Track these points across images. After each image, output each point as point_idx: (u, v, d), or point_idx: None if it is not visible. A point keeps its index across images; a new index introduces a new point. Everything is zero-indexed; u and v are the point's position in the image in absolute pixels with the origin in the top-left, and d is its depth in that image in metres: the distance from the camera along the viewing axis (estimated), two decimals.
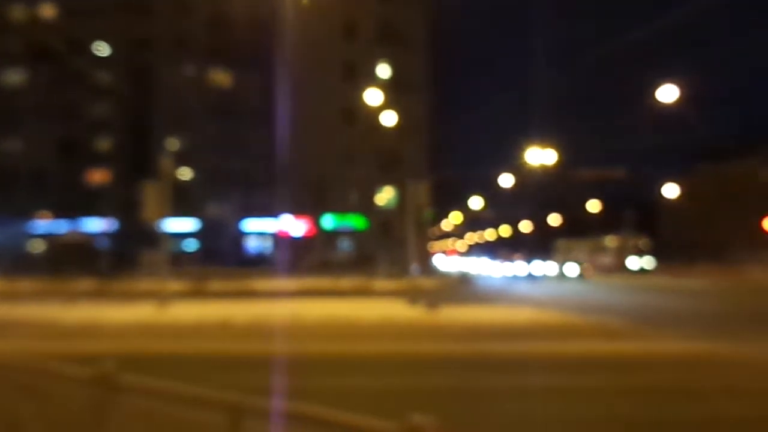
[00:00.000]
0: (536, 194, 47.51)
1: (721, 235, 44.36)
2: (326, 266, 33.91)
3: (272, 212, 42.16)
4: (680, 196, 48.54)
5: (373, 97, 25.39)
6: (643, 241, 47.64)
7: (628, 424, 5.82)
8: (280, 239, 43.00)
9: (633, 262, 43.45)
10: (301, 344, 10.60)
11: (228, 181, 41.24)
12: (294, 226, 42.72)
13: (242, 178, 41.90)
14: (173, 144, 40.19)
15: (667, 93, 16.48)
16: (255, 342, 10.79)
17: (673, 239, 51.92)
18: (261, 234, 44.68)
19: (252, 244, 45.02)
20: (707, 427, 5.69)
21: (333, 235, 42.91)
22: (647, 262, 44.81)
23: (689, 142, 55.77)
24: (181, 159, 34.77)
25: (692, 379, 7.68)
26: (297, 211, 42.06)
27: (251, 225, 43.97)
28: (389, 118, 27.55)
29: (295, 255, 38.87)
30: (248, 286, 23.07)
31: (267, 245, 44.81)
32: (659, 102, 16.73)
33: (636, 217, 50.58)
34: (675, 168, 53.63)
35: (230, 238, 41.53)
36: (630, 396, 6.83)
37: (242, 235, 44.12)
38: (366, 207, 42.64)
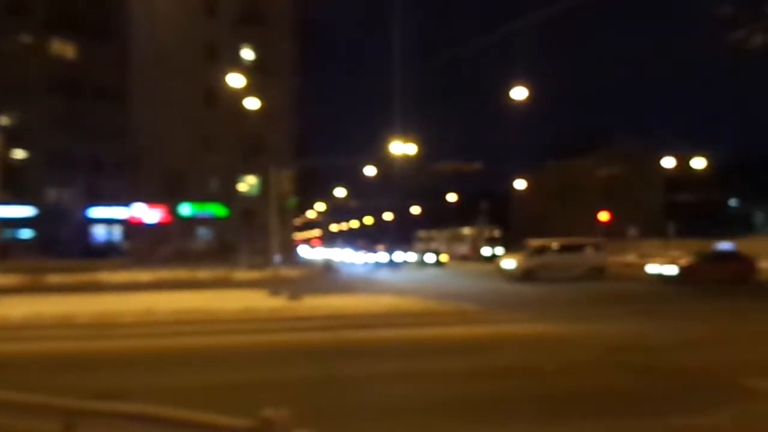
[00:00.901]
0: (398, 185, 48.88)
1: (563, 225, 48.60)
2: (183, 256, 32.31)
3: (123, 199, 39.29)
4: (528, 190, 52.53)
5: (235, 80, 24.37)
6: (495, 231, 50.98)
7: (478, 402, 6.13)
8: (131, 227, 40.25)
9: (486, 251, 46.23)
10: (154, 340, 10.02)
11: (72, 163, 37.69)
12: (147, 213, 40.17)
13: (88, 160, 38.51)
14: (4, 120, 35.90)
15: (519, 93, 17.61)
16: (100, 340, 9.99)
17: (521, 229, 56.01)
18: (109, 222, 41.49)
19: (99, 233, 41.67)
20: (547, 400, 6.17)
21: (191, 224, 40.93)
22: (499, 250, 47.97)
23: (538, 139, 60.50)
24: (15, 137, 31.22)
25: (536, 358, 8.31)
26: (151, 197, 39.58)
27: (98, 212, 40.65)
28: (252, 103, 26.73)
29: (148, 244, 36.61)
30: (94, 278, 21.35)
31: (116, 234, 41.74)
32: (513, 101, 17.82)
33: (490, 208, 53.99)
34: (526, 163, 57.89)
35: (73, 226, 38.01)
36: (481, 376, 7.25)
37: (88, 222, 40.65)
38: (227, 194, 41.17)
